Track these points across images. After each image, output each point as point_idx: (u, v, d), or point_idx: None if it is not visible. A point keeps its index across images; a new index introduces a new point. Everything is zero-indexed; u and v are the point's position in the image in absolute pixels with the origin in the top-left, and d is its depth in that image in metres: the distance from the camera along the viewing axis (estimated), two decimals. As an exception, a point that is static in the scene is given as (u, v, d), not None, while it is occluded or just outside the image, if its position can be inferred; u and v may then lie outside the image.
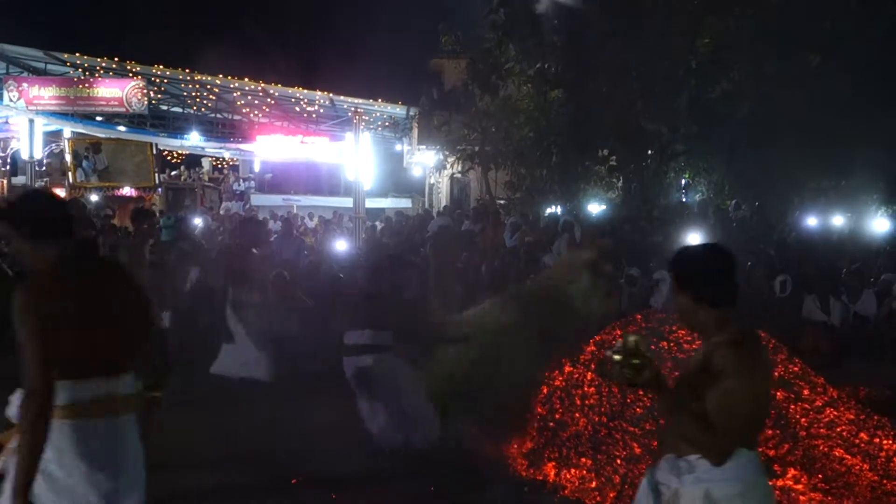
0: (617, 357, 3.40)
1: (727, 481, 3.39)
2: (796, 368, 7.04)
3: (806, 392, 6.80)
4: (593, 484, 6.29)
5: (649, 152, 18.45)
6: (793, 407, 6.63)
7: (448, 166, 26.12)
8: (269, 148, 30.16)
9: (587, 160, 19.04)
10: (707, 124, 17.50)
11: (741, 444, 3.40)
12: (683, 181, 22.63)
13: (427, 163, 29.95)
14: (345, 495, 6.40)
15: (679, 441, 3.49)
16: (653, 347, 7.00)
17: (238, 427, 8.05)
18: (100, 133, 29.37)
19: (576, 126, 17.98)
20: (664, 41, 16.37)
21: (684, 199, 22.04)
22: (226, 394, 9.05)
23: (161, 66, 27.64)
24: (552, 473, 6.56)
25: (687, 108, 17.27)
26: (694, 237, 13.90)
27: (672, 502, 3.48)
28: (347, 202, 27.10)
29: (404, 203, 33.03)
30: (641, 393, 6.67)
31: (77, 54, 28.16)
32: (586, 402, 6.96)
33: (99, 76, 29.29)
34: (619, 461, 6.36)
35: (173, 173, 37.04)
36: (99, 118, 29.83)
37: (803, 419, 6.55)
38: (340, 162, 28.90)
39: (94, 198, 26.48)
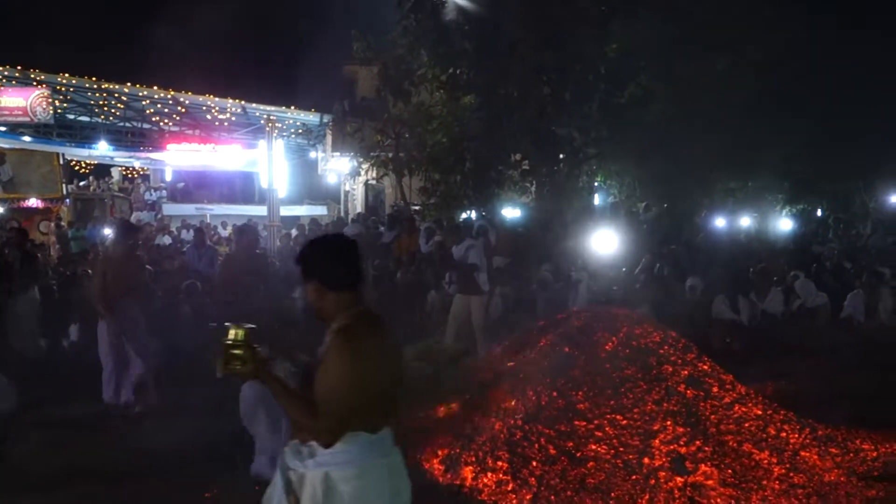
0: (224, 348, 3.55)
1: (344, 464, 3.52)
2: (706, 367, 7.19)
3: (715, 389, 6.95)
4: (510, 486, 6.32)
5: (561, 156, 18.61)
6: (702, 404, 6.76)
7: (362, 173, 26.05)
8: (181, 157, 29.76)
9: (500, 165, 19.10)
10: (617, 128, 17.74)
11: (357, 427, 3.52)
12: (595, 184, 22.92)
13: (342, 170, 29.85)
14: None
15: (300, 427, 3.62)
16: (567, 350, 7.10)
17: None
18: (3, 143, 28.59)
19: (488, 131, 18.06)
20: (573, 46, 16.55)
21: (596, 202, 22.32)
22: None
23: (66, 75, 27.02)
24: (469, 478, 6.57)
25: (597, 111, 17.50)
26: (606, 238, 14.13)
27: (299, 486, 3.60)
28: (262, 210, 26.85)
29: (320, 210, 32.85)
30: (556, 395, 6.73)
31: (-22, 63, 27.39)
32: (501, 405, 6.99)
33: (2, 85, 28.50)
34: (534, 463, 6.39)
35: (82, 183, 36.19)
36: (2, 128, 29.04)
37: (713, 416, 6.69)
38: (254, 170, 28.63)
39: (-2, 209, 25.75)
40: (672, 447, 6.32)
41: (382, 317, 3.74)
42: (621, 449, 6.37)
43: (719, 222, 18.31)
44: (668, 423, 6.50)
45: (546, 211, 17.99)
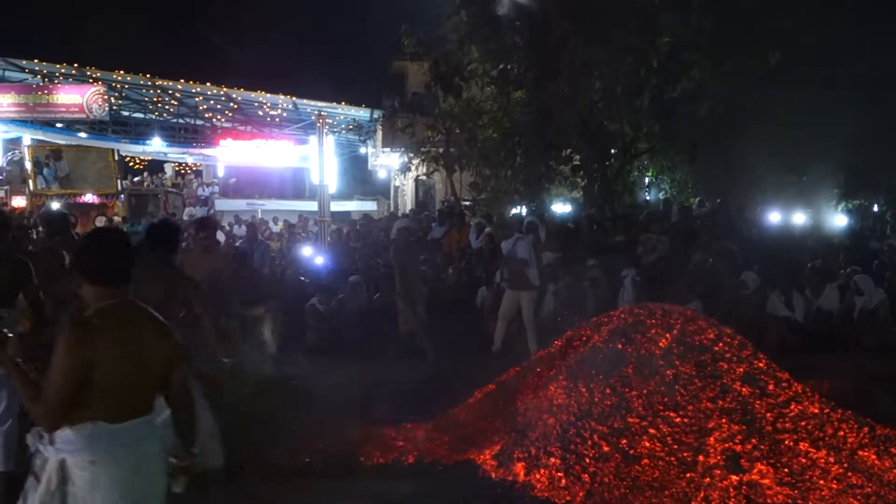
0: None
1: (79, 451, 3.61)
2: (761, 364, 7.10)
3: (771, 387, 6.86)
4: (563, 483, 6.31)
5: (612, 151, 18.52)
6: (758, 402, 6.68)
7: (413, 168, 26.10)
8: (233, 152, 30.06)
9: (551, 160, 19.05)
10: (669, 123, 17.59)
11: (95, 416, 3.61)
12: (647, 179, 22.77)
13: (392, 165, 29.94)
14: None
15: None
16: (619, 347, 7.05)
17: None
18: (60, 140, 29.09)
19: (539, 126, 18.02)
20: (624, 40, 16.44)
21: (648, 198, 22.16)
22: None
23: (122, 72, 27.43)
24: (522, 474, 6.57)
25: (649, 106, 17.36)
26: (657, 235, 13.99)
27: (42, 469, 3.69)
28: (312, 205, 27.02)
29: (370, 206, 32.99)
30: (609, 392, 6.71)
31: (35, 60, 27.89)
32: (554, 401, 6.97)
33: (58, 83, 29.01)
34: (587, 460, 6.37)
35: (136, 179, 36.64)
36: (59, 125, 29.55)
37: (769, 414, 6.60)
38: (305, 165, 28.81)
39: (55, 206, 26.18)
40: (727, 445, 6.26)
41: (142, 313, 3.86)
42: (675, 446, 6.32)
43: (773, 217, 18.04)
44: (724, 420, 6.43)
45: (596, 207, 17.91)
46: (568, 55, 16.81)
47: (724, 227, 16.12)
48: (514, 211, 19.88)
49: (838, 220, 18.71)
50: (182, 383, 3.97)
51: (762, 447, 6.28)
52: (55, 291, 6.41)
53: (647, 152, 19.48)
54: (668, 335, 7.14)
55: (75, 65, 27.93)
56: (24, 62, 28.07)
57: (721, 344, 7.12)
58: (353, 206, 32.52)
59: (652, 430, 6.45)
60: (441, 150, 23.10)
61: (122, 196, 30.09)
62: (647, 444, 6.37)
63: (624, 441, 6.42)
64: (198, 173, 39.84)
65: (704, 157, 18.97)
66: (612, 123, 17.89)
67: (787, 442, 6.41)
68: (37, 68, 28.51)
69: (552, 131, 17.92)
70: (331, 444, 7.70)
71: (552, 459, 6.52)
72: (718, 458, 6.18)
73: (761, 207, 19.23)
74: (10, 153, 30.31)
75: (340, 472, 6.97)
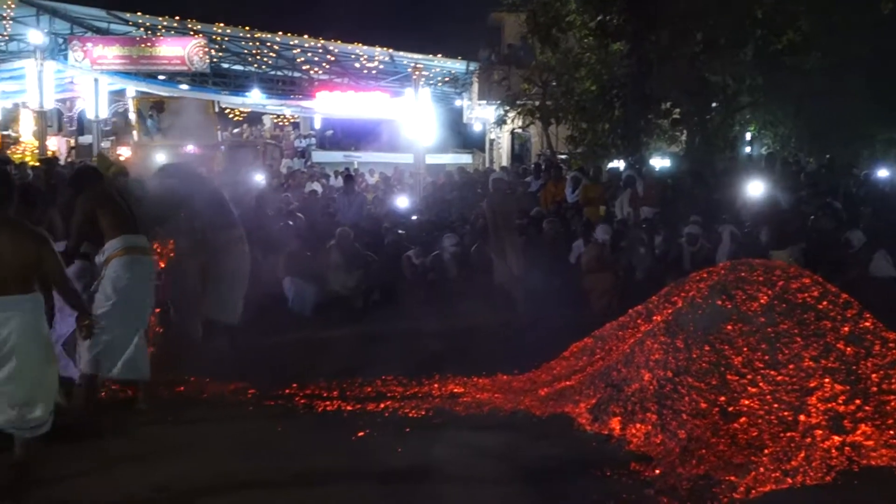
0: None
1: None
2: (867, 324, 6.89)
3: (877, 348, 6.66)
4: (659, 439, 6.26)
5: (714, 105, 18.17)
6: (863, 363, 6.50)
7: (508, 121, 25.98)
8: (330, 105, 30.27)
9: (650, 113, 18.77)
10: (773, 76, 17.17)
11: None
12: (749, 134, 22.26)
13: (487, 118, 29.81)
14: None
15: None
16: (719, 303, 6.93)
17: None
18: (163, 91, 29.68)
19: (638, 79, 17.77)
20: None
21: (750, 153, 21.67)
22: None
23: (222, 25, 27.79)
24: (617, 428, 6.55)
25: (752, 59, 16.99)
26: (759, 191, 13.68)
27: None
28: (408, 158, 27.13)
29: (465, 159, 32.98)
30: (708, 349, 6.61)
31: (139, 13, 28.44)
32: (651, 357, 6.91)
33: (161, 35, 29.56)
34: (684, 416, 6.31)
35: (235, 131, 37.32)
36: (161, 77, 30.15)
37: (874, 375, 6.42)
38: (400, 118, 28.87)
39: (158, 156, 26.82)
40: (830, 405, 6.11)
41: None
42: (776, 405, 6.20)
43: (881, 174, 17.46)
44: (826, 380, 6.28)
45: (696, 161, 17.60)
46: (669, 6, 16.49)
47: (828, 184, 15.67)
48: (612, 165, 19.67)
49: (951, 178, 17.99)
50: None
51: (866, 408, 6.12)
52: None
53: (750, 106, 19.03)
54: (769, 291, 6.98)
55: (177, 17, 28.37)
56: (127, 15, 28.63)
57: (825, 302, 6.93)
58: (449, 159, 32.51)
59: (751, 388, 6.34)
60: (537, 102, 22.92)
61: (222, 147, 30.68)
62: (746, 402, 6.27)
63: (722, 398, 6.33)
64: (295, 125, 40.32)
65: (810, 111, 18.51)
66: (713, 76, 17.53)
67: (893, 403, 6.23)
68: (140, 21, 29.06)
69: (652, 84, 17.66)
70: (426, 395, 7.80)
71: (648, 415, 6.47)
72: (820, 418, 6.04)
73: (869, 164, 18.66)
74: (115, 105, 31.10)
75: (436, 422, 7.05)
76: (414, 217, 15.59)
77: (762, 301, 6.89)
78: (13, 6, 26.67)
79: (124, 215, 7.17)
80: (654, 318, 7.62)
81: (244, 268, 9.43)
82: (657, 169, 18.72)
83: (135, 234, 7.15)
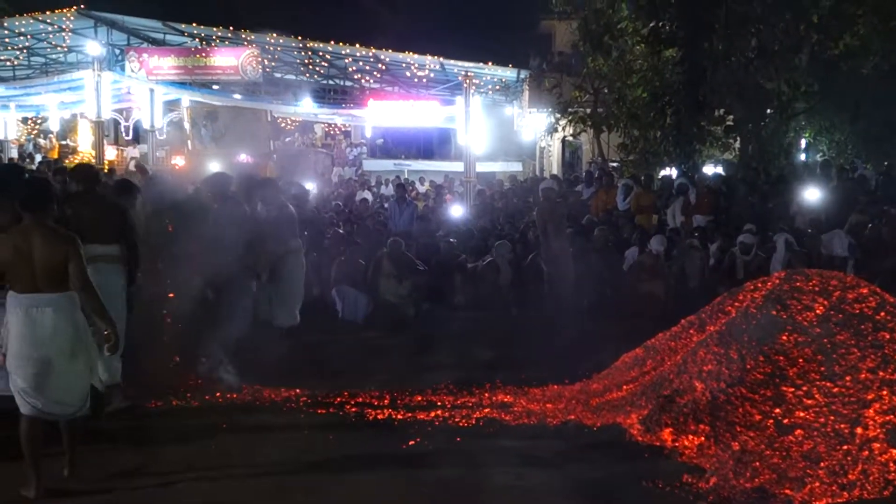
0: None
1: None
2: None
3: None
4: (712, 450, 6.19)
5: (768, 111, 17.97)
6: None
7: (559, 129, 25.91)
8: (381, 113, 30.36)
9: (703, 120, 18.59)
10: (830, 81, 16.94)
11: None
12: (804, 141, 21.97)
13: (538, 126, 29.73)
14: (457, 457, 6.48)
15: None
16: (773, 313, 6.84)
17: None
18: (216, 101, 30.04)
19: (691, 85, 17.64)
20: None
21: (805, 160, 21.39)
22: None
23: (274, 35, 28.04)
24: (669, 439, 6.49)
25: (808, 64, 16.78)
26: (814, 198, 13.49)
27: None
28: (458, 166, 27.14)
29: (515, 167, 32.90)
30: (762, 360, 6.52)
31: (194, 24, 28.79)
32: (704, 367, 6.84)
33: (215, 45, 29.90)
34: (738, 428, 6.23)
35: (286, 140, 37.61)
36: (215, 86, 30.51)
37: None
38: (451, 126, 28.90)
39: (212, 164, 27.16)
40: (888, 418, 6.00)
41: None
42: (832, 417, 6.10)
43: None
44: (884, 392, 6.17)
45: (750, 168, 17.40)
46: (723, 11, 16.36)
47: (887, 192, 15.39)
48: (664, 172, 19.53)
49: None
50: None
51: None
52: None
53: (805, 112, 18.79)
54: (825, 302, 6.88)
55: (231, 28, 28.69)
56: (182, 26, 29.02)
57: (883, 313, 6.81)
58: (499, 167, 32.47)
59: (807, 400, 6.24)
60: (589, 110, 22.85)
61: (274, 156, 30.96)
62: (802, 414, 6.17)
63: (777, 410, 6.24)
64: (346, 134, 40.53)
65: (867, 117, 18.22)
66: (768, 82, 17.32)
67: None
68: (195, 32, 29.42)
69: (705, 90, 17.53)
70: (477, 404, 7.80)
71: (701, 426, 6.40)
72: (878, 430, 5.93)
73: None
74: (169, 114, 31.55)
75: (486, 431, 7.04)
76: (465, 225, 15.62)
77: (818, 311, 6.79)
78: (73, 18, 27.20)
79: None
80: (707, 328, 7.54)
81: (300, 275, 9.99)
82: (710, 176, 18.54)
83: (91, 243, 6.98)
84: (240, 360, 8.47)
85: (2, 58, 30.76)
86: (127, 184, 8.86)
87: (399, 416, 7.43)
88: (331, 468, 6.31)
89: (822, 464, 5.79)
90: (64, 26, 28.11)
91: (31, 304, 5.61)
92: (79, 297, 5.75)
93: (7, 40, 28.99)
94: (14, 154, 29.89)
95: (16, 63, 31.32)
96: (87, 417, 6.03)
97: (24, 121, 33.42)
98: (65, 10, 26.54)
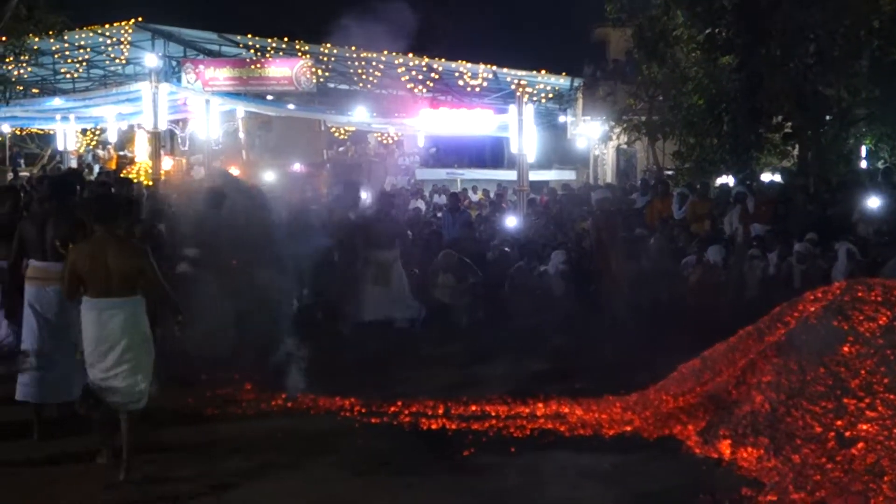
0: None
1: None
2: None
3: None
4: (771, 463, 6.09)
5: (827, 118, 17.71)
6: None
7: (613, 137, 25.77)
8: (433, 122, 30.43)
9: (760, 128, 18.37)
10: (891, 87, 16.65)
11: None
12: (865, 148, 21.60)
13: (592, 134, 29.61)
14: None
15: None
16: (835, 324, 6.71)
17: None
18: (271, 111, 30.34)
19: (748, 92, 17.43)
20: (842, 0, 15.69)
21: (867, 167, 21.04)
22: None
23: (328, 45, 28.25)
24: (727, 452, 6.39)
25: (868, 70, 16.52)
26: (876, 206, 13.24)
27: None
28: (511, 175, 27.09)
29: (568, 175, 32.80)
30: (823, 371, 6.40)
31: (249, 36, 29.14)
32: (763, 378, 6.73)
33: (269, 56, 30.20)
34: (798, 440, 6.12)
35: (340, 149, 37.82)
36: (270, 97, 30.82)
37: None
38: (504, 135, 28.87)
39: (267, 174, 27.38)
40: None
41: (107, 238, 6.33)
42: (895, 430, 5.97)
43: None
44: (951, 405, 6.03)
45: (810, 176, 17.14)
46: (781, 17, 16.18)
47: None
48: (720, 181, 19.32)
49: None
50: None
51: None
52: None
53: (866, 119, 18.48)
54: (888, 312, 6.74)
55: (285, 39, 28.95)
56: (238, 38, 29.38)
57: (950, 323, 6.66)
58: (552, 175, 32.39)
59: (870, 413, 6.11)
60: (643, 118, 22.71)
61: (328, 165, 31.15)
62: (864, 427, 6.04)
63: (839, 422, 6.12)
64: (399, 143, 40.68)
65: (930, 124, 17.88)
66: (827, 88, 17.10)
67: None
68: (250, 43, 29.75)
69: (762, 97, 17.32)
70: (531, 414, 7.76)
71: (760, 438, 6.31)
72: (945, 444, 5.79)
73: None
74: (225, 125, 31.93)
75: (541, 442, 7.00)
76: (518, 234, 15.58)
77: (881, 322, 6.66)
78: (131, 31, 27.69)
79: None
80: (766, 338, 7.42)
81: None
82: (768, 184, 18.30)
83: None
84: (296, 367, 8.54)
85: (62, 70, 31.36)
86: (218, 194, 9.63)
87: (453, 426, 7.42)
88: (384, 477, 6.32)
89: (885, 478, 5.65)
90: (122, 39, 28.61)
91: (105, 307, 6.26)
92: (154, 294, 6.56)
93: (67, 53, 29.54)
94: (73, 164, 30.44)
95: (76, 76, 31.94)
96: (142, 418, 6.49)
97: (84, 132, 34.04)
98: (123, 24, 27.03)
